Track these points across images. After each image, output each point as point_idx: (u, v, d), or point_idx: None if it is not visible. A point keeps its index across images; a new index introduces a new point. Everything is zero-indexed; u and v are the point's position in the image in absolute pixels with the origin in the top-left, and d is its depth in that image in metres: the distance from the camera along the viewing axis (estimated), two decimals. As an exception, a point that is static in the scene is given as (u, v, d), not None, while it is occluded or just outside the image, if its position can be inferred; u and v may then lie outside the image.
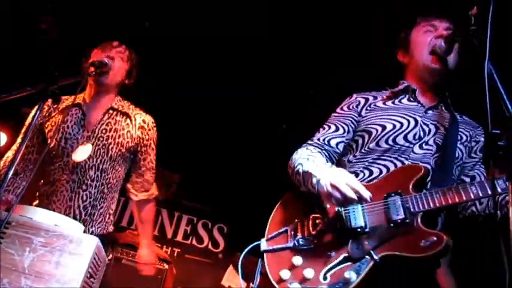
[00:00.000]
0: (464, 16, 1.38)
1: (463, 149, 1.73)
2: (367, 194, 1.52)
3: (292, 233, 1.66)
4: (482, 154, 1.75)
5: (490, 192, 1.40)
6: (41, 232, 1.48)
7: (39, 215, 1.57)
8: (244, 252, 1.71)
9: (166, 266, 4.07)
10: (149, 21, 3.66)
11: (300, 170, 1.70)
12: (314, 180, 1.60)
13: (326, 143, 1.83)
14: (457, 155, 1.69)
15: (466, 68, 1.71)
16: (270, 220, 1.76)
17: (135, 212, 2.54)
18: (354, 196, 1.51)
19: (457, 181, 1.70)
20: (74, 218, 2.12)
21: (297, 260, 1.57)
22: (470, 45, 1.35)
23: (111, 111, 2.27)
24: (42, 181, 2.23)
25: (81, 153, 2.15)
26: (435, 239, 1.40)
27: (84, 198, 2.16)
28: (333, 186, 1.52)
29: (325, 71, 3.70)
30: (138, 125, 2.31)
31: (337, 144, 1.83)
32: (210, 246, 5.43)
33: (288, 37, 3.59)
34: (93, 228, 2.21)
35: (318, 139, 1.85)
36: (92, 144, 2.18)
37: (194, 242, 5.43)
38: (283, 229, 1.69)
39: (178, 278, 4.37)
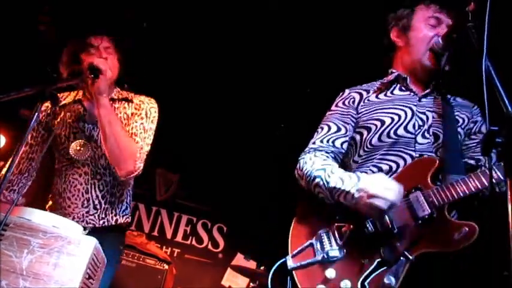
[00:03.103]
0: (462, 12, 1.37)
1: (462, 131, 1.70)
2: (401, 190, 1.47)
3: (319, 245, 1.60)
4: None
5: None
6: (39, 233, 1.47)
7: (37, 216, 1.56)
8: (271, 272, 1.65)
9: (166, 266, 4.06)
10: (147, 22, 3.66)
11: (321, 184, 1.62)
12: (349, 197, 1.53)
13: (331, 144, 1.76)
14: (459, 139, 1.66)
15: (462, 69, 1.68)
16: (290, 235, 1.70)
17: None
18: (396, 198, 1.45)
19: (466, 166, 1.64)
20: (94, 208, 2.12)
21: (330, 272, 1.53)
22: (467, 42, 1.34)
23: (111, 102, 2.25)
24: (54, 181, 2.21)
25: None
26: (467, 229, 1.36)
27: (101, 187, 2.15)
28: (372, 196, 1.46)
29: (324, 70, 3.69)
30: (134, 104, 2.30)
31: (341, 144, 1.77)
32: (209, 246, 5.42)
33: (287, 37, 3.58)
34: (118, 217, 2.19)
35: (322, 141, 1.78)
36: (97, 135, 2.16)
37: (194, 242, 5.42)
38: (307, 243, 1.63)
39: (178, 278, 4.35)
